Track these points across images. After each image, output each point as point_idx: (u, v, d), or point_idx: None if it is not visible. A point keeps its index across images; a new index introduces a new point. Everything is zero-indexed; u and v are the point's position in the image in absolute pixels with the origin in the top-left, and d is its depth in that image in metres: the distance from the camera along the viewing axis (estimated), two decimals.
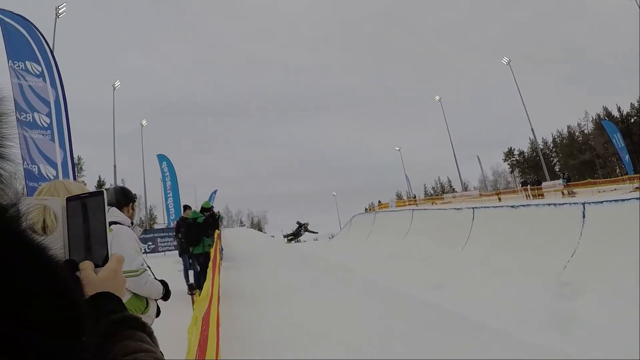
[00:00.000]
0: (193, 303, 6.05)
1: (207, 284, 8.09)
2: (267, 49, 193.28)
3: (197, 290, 8.95)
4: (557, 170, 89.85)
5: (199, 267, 18.68)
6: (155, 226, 68.61)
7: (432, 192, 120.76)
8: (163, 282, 5.56)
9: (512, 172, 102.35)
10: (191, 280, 19.07)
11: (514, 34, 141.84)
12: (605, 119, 72.73)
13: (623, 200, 29.17)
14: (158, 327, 5.61)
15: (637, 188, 32.55)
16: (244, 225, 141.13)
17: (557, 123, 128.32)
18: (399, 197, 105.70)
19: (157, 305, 5.53)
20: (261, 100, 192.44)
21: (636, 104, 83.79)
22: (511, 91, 66.72)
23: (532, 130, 61.32)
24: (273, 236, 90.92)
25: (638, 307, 22.96)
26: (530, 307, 26.41)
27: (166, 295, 5.55)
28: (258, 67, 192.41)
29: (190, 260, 19.47)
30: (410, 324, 17.91)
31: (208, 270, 11.32)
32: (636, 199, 28.46)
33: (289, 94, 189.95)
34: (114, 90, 61.15)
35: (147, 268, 5.44)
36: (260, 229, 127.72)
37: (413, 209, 57.65)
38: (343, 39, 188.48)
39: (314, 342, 11.78)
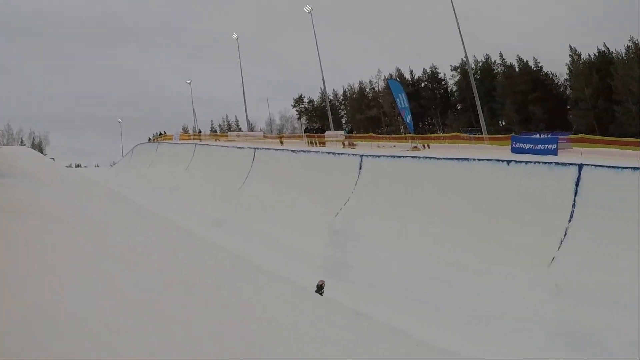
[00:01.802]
0: None
1: None
2: None
3: None
4: (344, 122, 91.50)
5: None
6: None
7: (218, 129, 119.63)
8: None
9: (299, 118, 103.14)
10: None
11: None
12: (396, 80, 74.67)
13: (400, 157, 30.21)
14: None
15: (414, 147, 33.59)
16: (25, 144, 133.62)
17: (353, 77, 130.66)
18: (185, 130, 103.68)
19: None
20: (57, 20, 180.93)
21: (429, 70, 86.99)
22: (316, 40, 66.09)
23: (322, 79, 62.03)
24: (53, 159, 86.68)
25: (403, 251, 24.07)
26: (304, 251, 26.79)
27: None
28: None
29: None
30: (187, 258, 17.28)
31: None
32: (412, 157, 29.60)
33: (89, 19, 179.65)
34: None
35: None
36: (41, 150, 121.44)
37: (196, 144, 57.23)
38: None
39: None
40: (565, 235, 23.13)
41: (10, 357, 3.11)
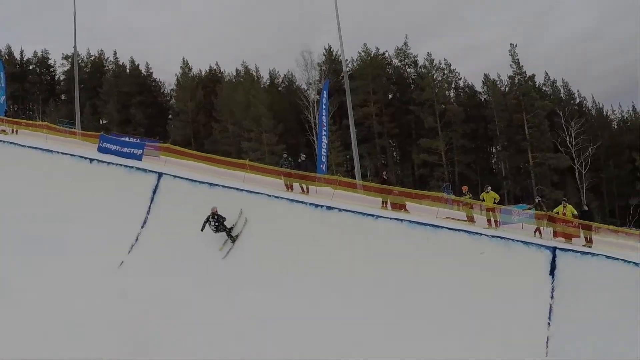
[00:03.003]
0: None
1: None
2: None
3: None
4: None
5: None
6: None
7: None
8: None
9: None
10: None
11: None
12: (3, 57, 71.52)
13: None
14: None
15: (2, 131, 32.63)
16: None
17: None
18: None
19: None
20: None
21: (40, 54, 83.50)
22: None
23: None
24: None
25: None
26: None
27: None
28: None
29: None
30: None
31: None
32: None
33: None
34: None
35: None
36: None
37: None
38: None
39: None
40: (137, 240, 24.00)
41: None
